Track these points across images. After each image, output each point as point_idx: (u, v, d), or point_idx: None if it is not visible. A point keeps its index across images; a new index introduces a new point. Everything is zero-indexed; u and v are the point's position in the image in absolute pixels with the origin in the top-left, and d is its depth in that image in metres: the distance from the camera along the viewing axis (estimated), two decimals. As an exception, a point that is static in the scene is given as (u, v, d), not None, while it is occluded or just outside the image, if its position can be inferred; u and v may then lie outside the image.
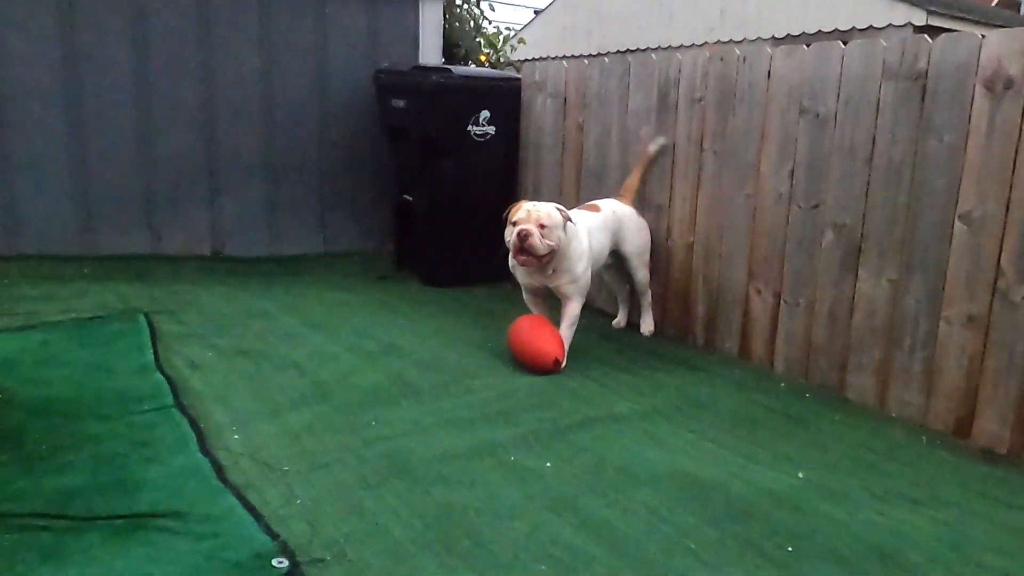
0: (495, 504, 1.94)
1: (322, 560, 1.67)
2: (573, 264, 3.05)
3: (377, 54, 4.78)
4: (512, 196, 4.31)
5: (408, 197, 4.39)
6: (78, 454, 2.09)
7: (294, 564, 1.64)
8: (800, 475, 2.17)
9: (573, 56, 4.03)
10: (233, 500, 1.88)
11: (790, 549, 1.79)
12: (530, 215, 2.92)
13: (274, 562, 1.63)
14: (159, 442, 2.20)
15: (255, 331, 3.27)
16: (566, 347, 3.03)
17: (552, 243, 2.92)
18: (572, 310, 3.10)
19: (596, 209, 3.35)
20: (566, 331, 3.08)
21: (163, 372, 2.74)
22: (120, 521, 1.77)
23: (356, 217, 4.92)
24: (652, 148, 3.46)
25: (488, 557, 1.71)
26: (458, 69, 4.27)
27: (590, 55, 3.91)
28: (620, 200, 3.49)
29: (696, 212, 3.34)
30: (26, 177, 4.13)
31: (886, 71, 2.62)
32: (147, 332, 3.17)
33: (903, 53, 2.57)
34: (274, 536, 1.73)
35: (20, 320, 3.23)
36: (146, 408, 2.44)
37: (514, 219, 2.96)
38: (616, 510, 1.94)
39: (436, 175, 4.19)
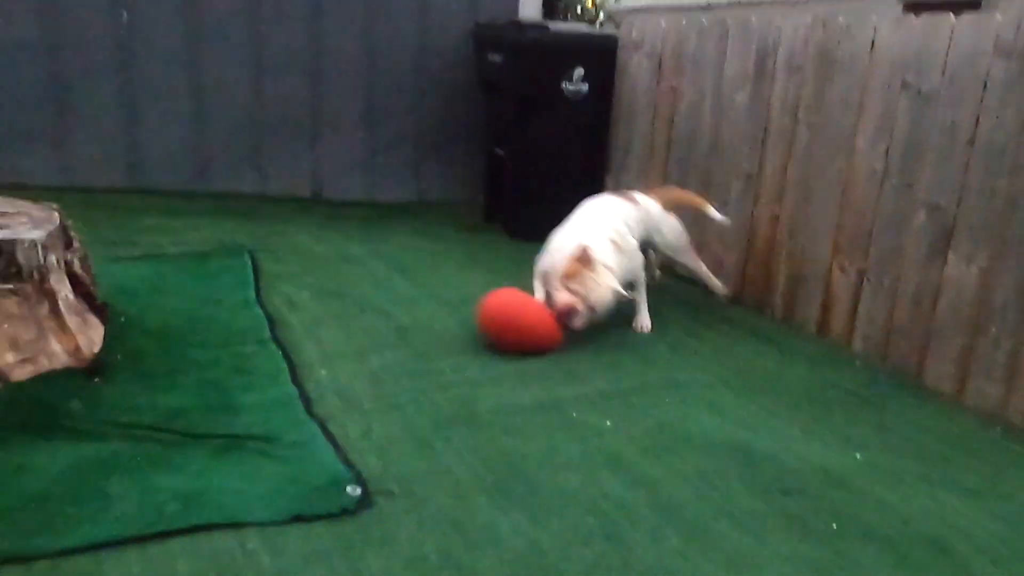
0: (553, 456, 2.06)
1: (391, 492, 1.84)
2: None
3: (478, 6, 4.84)
4: (603, 156, 4.34)
5: (499, 151, 4.48)
6: (187, 377, 2.34)
7: (366, 493, 1.82)
8: (858, 456, 2.19)
9: (676, 8, 3.95)
10: (317, 430, 2.08)
11: (834, 526, 1.84)
12: (587, 290, 2.68)
13: (348, 489, 1.82)
14: (256, 371, 2.43)
15: (346, 274, 3.49)
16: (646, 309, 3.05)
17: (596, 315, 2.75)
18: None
19: (633, 201, 3.19)
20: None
21: (263, 308, 2.98)
22: (219, 440, 2.00)
23: (449, 167, 5.06)
24: (716, 216, 3.35)
25: (540, 504, 1.84)
26: (555, 25, 4.28)
27: (694, 7, 3.84)
28: (654, 198, 3.30)
29: (785, 183, 3.30)
30: (150, 118, 4.46)
31: (998, 48, 2.49)
32: (250, 269, 3.43)
33: (1018, 29, 2.44)
34: (350, 466, 1.92)
35: (140, 250, 3.56)
36: (247, 340, 2.68)
37: (568, 282, 2.69)
38: (667, 472, 2.03)
39: (527, 131, 4.26)
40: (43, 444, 1.87)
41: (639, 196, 3.27)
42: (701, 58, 3.68)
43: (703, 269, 3.47)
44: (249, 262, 3.52)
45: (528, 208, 4.37)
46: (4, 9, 4.13)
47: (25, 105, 4.24)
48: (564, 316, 2.70)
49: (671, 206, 3.33)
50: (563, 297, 2.69)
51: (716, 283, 3.49)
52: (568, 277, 2.70)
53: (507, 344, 2.70)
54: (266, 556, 1.58)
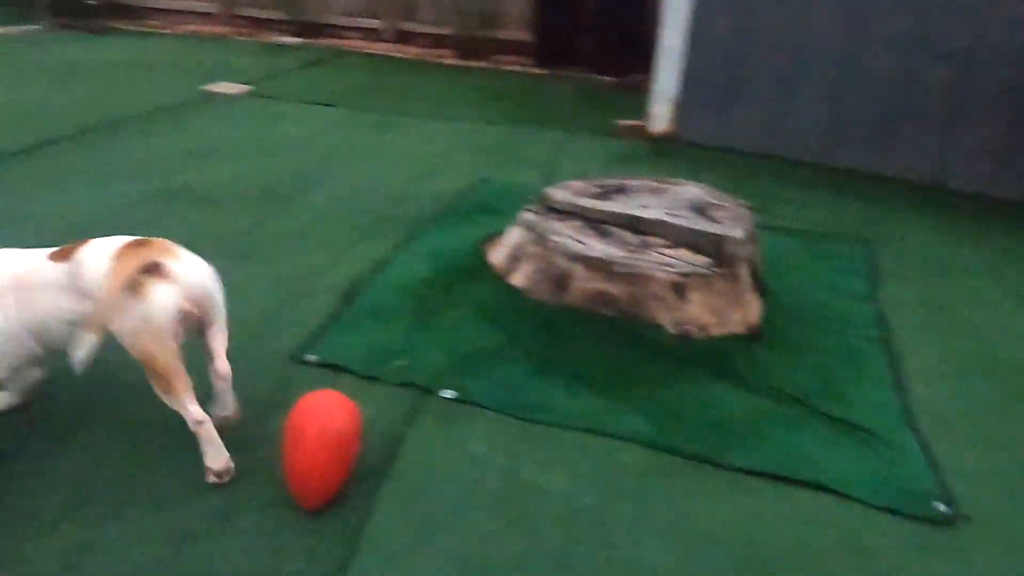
0: None
1: (970, 520, 2.24)
2: None
3: None
4: None
5: None
6: (810, 356, 3.01)
7: (952, 513, 2.26)
8: None
9: None
10: (913, 441, 2.56)
11: None
12: None
13: (935, 503, 2.29)
14: (864, 368, 2.97)
15: (955, 285, 3.68)
16: None
17: None
18: None
19: (63, 256, 2.12)
20: None
21: (874, 303, 3.45)
22: (833, 421, 2.63)
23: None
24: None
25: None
26: None
27: None
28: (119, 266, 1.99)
29: None
30: (795, 94, 5.12)
31: None
32: (865, 259, 3.90)
33: None
34: (940, 484, 2.37)
35: (773, 220, 4.32)
36: (857, 333, 3.22)
37: None
38: None
39: None
40: (722, 386, 2.77)
41: (93, 247, 2.11)
42: None
43: (180, 400, 2.08)
44: (865, 252, 3.99)
45: None
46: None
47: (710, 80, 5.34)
48: None
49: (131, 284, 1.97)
50: None
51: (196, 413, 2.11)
52: None
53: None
54: (866, 530, 2.20)
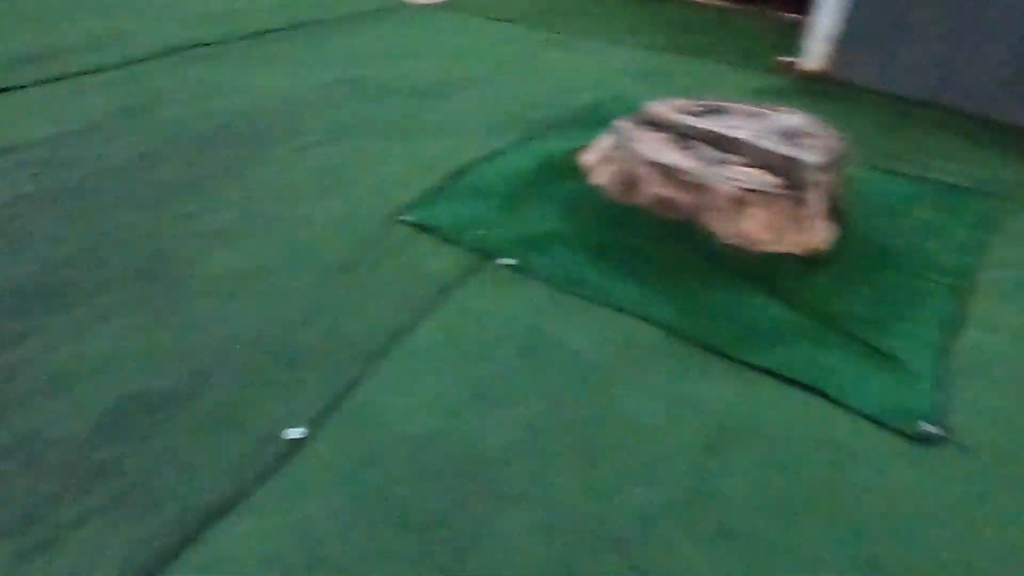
0: None
1: (967, 449, 2.33)
2: None
3: None
4: None
5: None
6: (869, 290, 3.06)
7: (937, 434, 2.36)
8: None
9: None
10: (931, 372, 2.62)
11: None
12: None
13: (922, 423, 2.39)
14: (921, 307, 2.97)
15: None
16: None
17: None
18: None
19: None
20: None
21: (974, 256, 3.35)
22: (864, 347, 2.72)
23: None
24: None
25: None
26: None
27: None
28: None
29: None
30: (972, 37, 4.73)
31: None
32: (993, 217, 3.71)
33: None
34: (938, 408, 2.46)
35: (907, 168, 4.19)
36: (932, 277, 3.16)
37: None
38: None
39: None
40: (760, 297, 2.95)
41: None
42: None
43: None
44: (997, 209, 3.78)
45: None
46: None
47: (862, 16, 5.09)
48: None
49: None
50: None
51: None
52: None
53: None
54: (851, 435, 2.37)
